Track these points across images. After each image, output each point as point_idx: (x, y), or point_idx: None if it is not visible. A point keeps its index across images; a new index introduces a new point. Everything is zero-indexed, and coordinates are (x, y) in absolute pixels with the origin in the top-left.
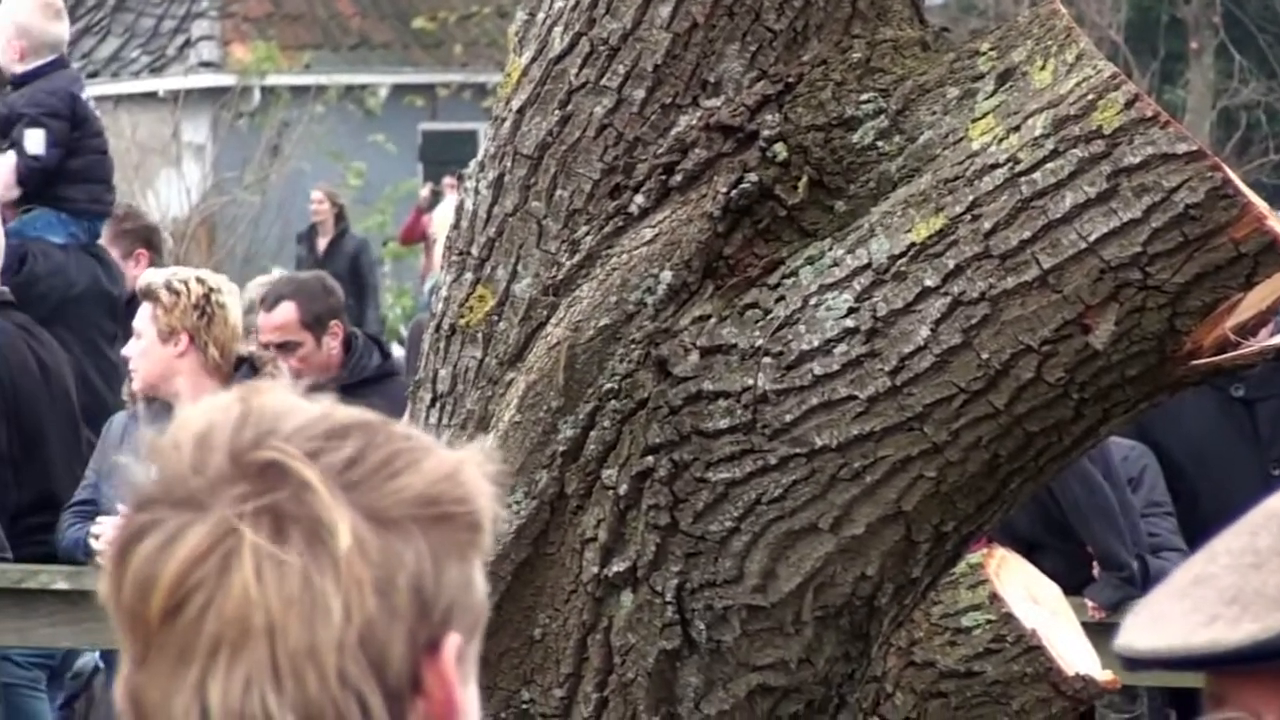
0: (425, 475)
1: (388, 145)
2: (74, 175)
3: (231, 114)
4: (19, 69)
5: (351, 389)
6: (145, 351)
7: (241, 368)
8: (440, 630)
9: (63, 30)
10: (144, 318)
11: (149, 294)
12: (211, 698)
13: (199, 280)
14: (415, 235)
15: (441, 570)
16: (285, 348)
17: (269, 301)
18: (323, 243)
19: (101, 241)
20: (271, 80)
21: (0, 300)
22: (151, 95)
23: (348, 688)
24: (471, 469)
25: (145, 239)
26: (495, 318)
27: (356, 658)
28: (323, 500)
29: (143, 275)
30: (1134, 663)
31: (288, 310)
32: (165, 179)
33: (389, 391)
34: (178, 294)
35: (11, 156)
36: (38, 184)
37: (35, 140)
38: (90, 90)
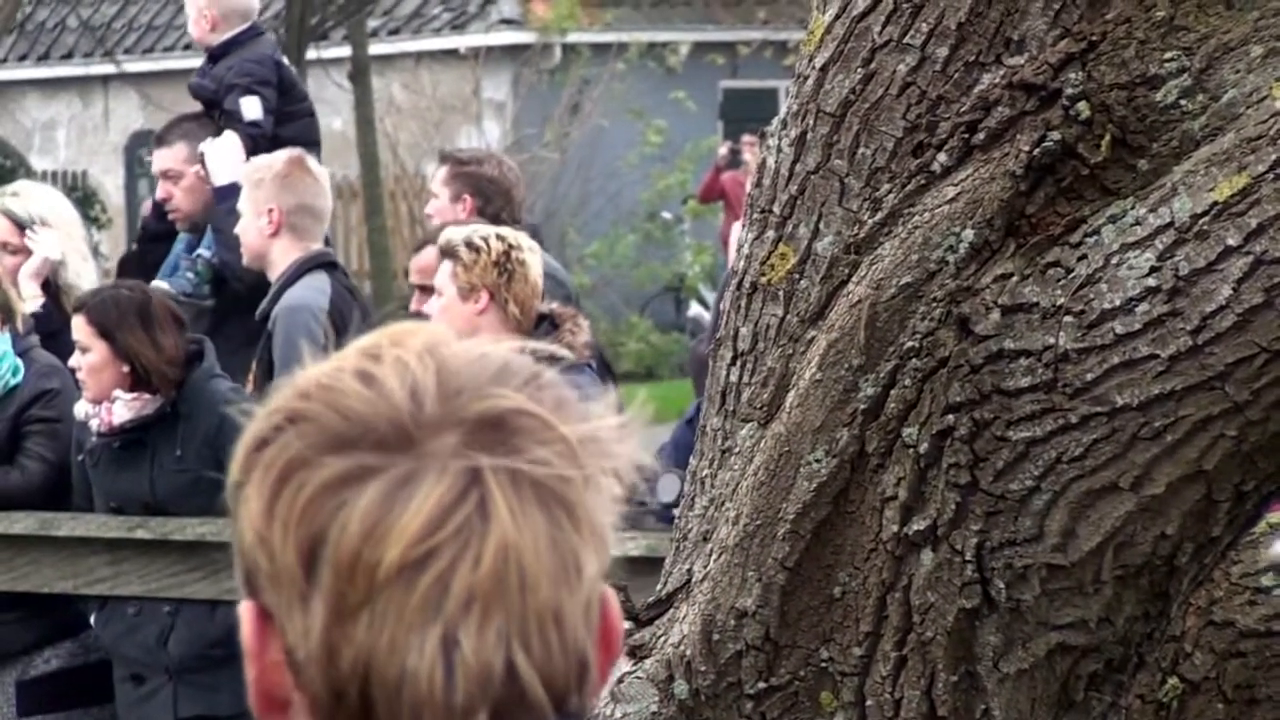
0: (602, 427)
1: (688, 103)
2: (288, 141)
3: (532, 71)
4: (213, 39)
5: None
6: (445, 309)
7: (542, 325)
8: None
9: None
10: (444, 275)
11: (449, 251)
12: (462, 653)
13: (499, 237)
14: (714, 193)
15: (614, 516)
16: (427, 290)
17: (419, 245)
18: None
19: (439, 182)
20: (572, 38)
21: (327, 261)
22: (452, 52)
23: (578, 650)
24: (628, 426)
25: (476, 186)
26: (797, 275)
27: (587, 617)
28: (565, 451)
29: (444, 232)
30: None
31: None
32: (465, 136)
33: None
34: (478, 251)
35: (234, 137)
36: (258, 151)
37: (252, 107)
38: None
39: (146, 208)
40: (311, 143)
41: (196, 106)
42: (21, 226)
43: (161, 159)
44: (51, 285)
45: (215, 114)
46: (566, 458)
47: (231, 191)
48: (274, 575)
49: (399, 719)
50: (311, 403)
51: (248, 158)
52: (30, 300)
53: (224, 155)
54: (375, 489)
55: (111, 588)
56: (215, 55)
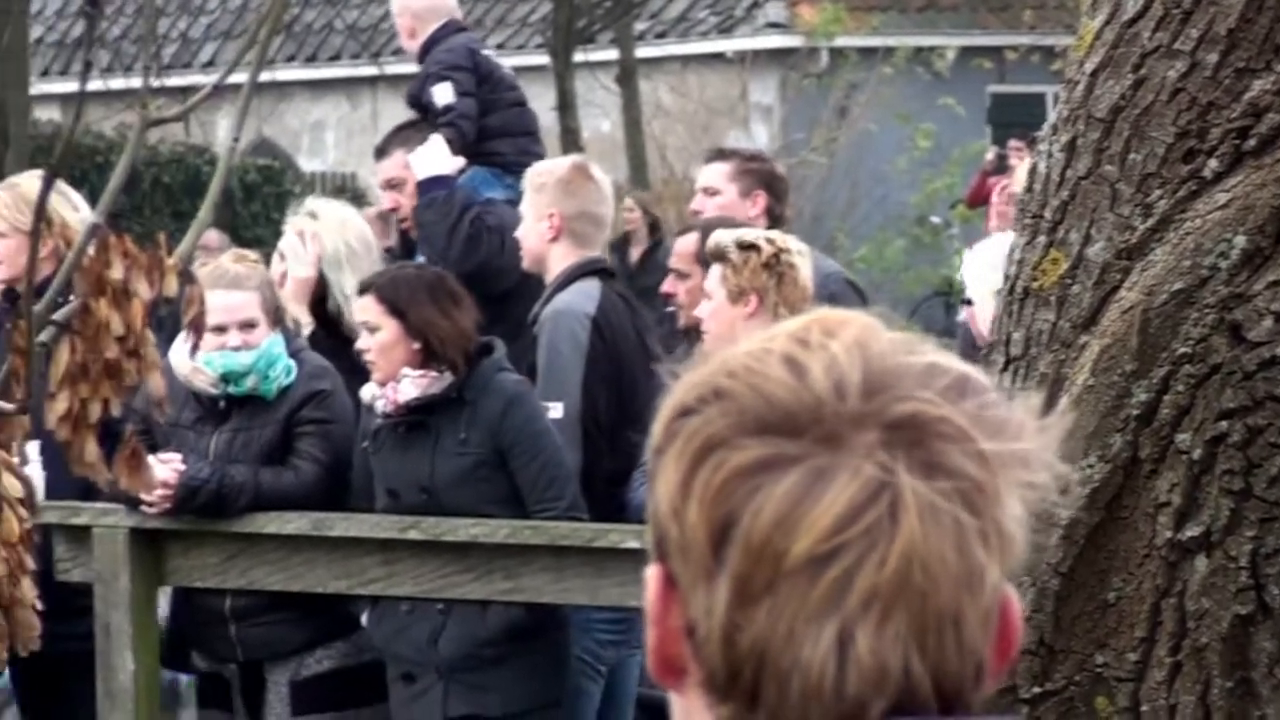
0: (1022, 435)
1: (956, 107)
2: (495, 130)
3: (799, 75)
4: (413, 45)
5: None
6: (715, 312)
7: None
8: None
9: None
10: (714, 278)
11: (719, 254)
12: (857, 649)
13: (769, 240)
14: (981, 198)
15: (1023, 525)
16: (681, 276)
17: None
18: (635, 253)
19: (723, 178)
20: (839, 42)
21: (600, 268)
22: (719, 56)
23: (974, 651)
24: (1048, 430)
25: (767, 182)
26: (1068, 281)
27: (984, 623)
28: (977, 459)
29: (713, 235)
30: None
31: (691, 240)
32: (733, 140)
33: None
34: (748, 254)
35: (439, 140)
36: (464, 134)
37: (443, 93)
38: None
39: (368, 216)
40: (524, 133)
41: None
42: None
43: (384, 169)
44: (329, 314)
45: (428, 116)
46: (981, 467)
47: (432, 185)
48: (683, 547)
49: (786, 707)
50: (736, 381)
51: (452, 143)
52: (303, 326)
53: (427, 151)
54: (792, 478)
55: (384, 588)
56: (422, 59)
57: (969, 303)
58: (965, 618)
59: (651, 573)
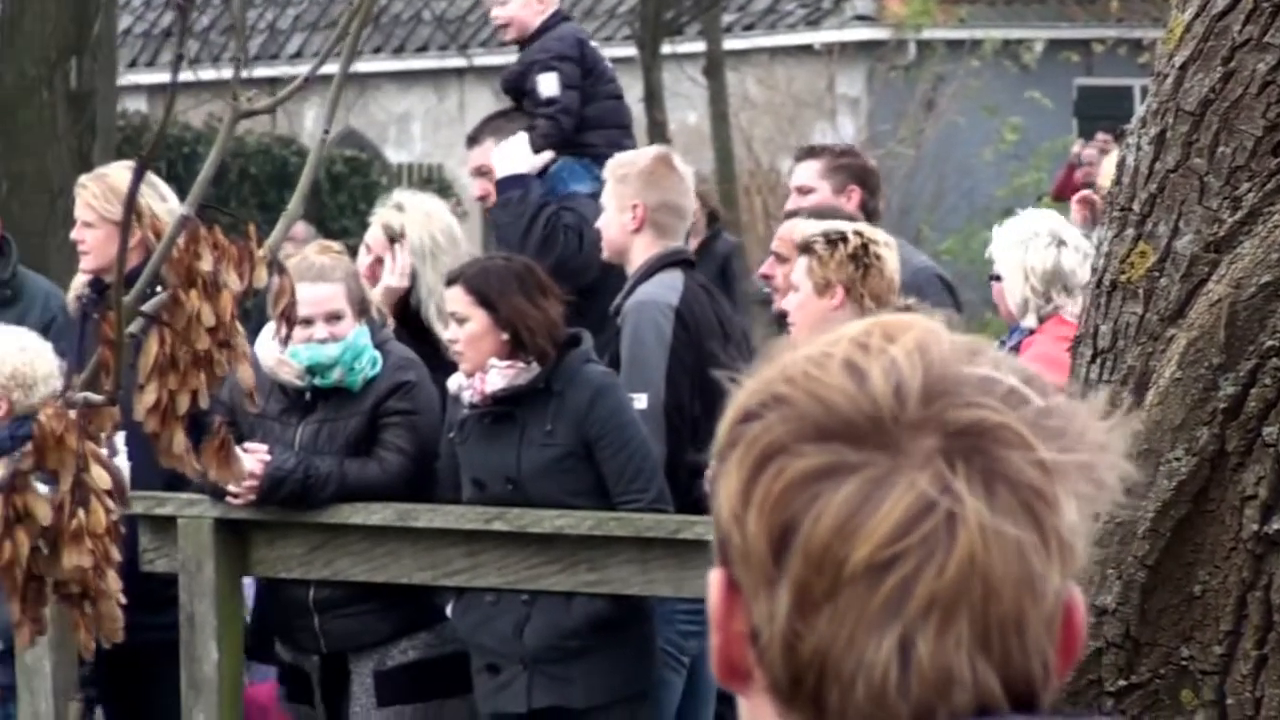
0: (1089, 437)
1: (1043, 100)
2: (591, 121)
3: (886, 67)
4: (537, 21)
5: None
6: (801, 304)
7: None
8: (1070, 582)
9: None
10: (800, 270)
11: (806, 246)
12: (918, 655)
13: (856, 232)
14: (1068, 191)
15: (1086, 528)
16: (781, 259)
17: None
18: (692, 243)
19: (816, 175)
20: (927, 34)
21: (683, 259)
22: (807, 48)
23: (1039, 652)
24: (1115, 430)
25: (860, 177)
26: (1156, 274)
27: (1048, 625)
28: (1035, 467)
29: (797, 226)
30: None
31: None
32: (820, 132)
33: None
34: (834, 246)
35: (523, 139)
36: (563, 129)
37: (548, 83)
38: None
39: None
40: (617, 126)
41: None
42: (393, 241)
43: (474, 156)
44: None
45: (525, 103)
46: (1040, 474)
47: (509, 185)
48: (745, 554)
49: (850, 713)
50: (796, 388)
51: (549, 135)
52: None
53: (508, 149)
54: (851, 486)
55: (469, 579)
56: (526, 42)
57: (998, 278)
58: (1028, 621)
59: (715, 577)
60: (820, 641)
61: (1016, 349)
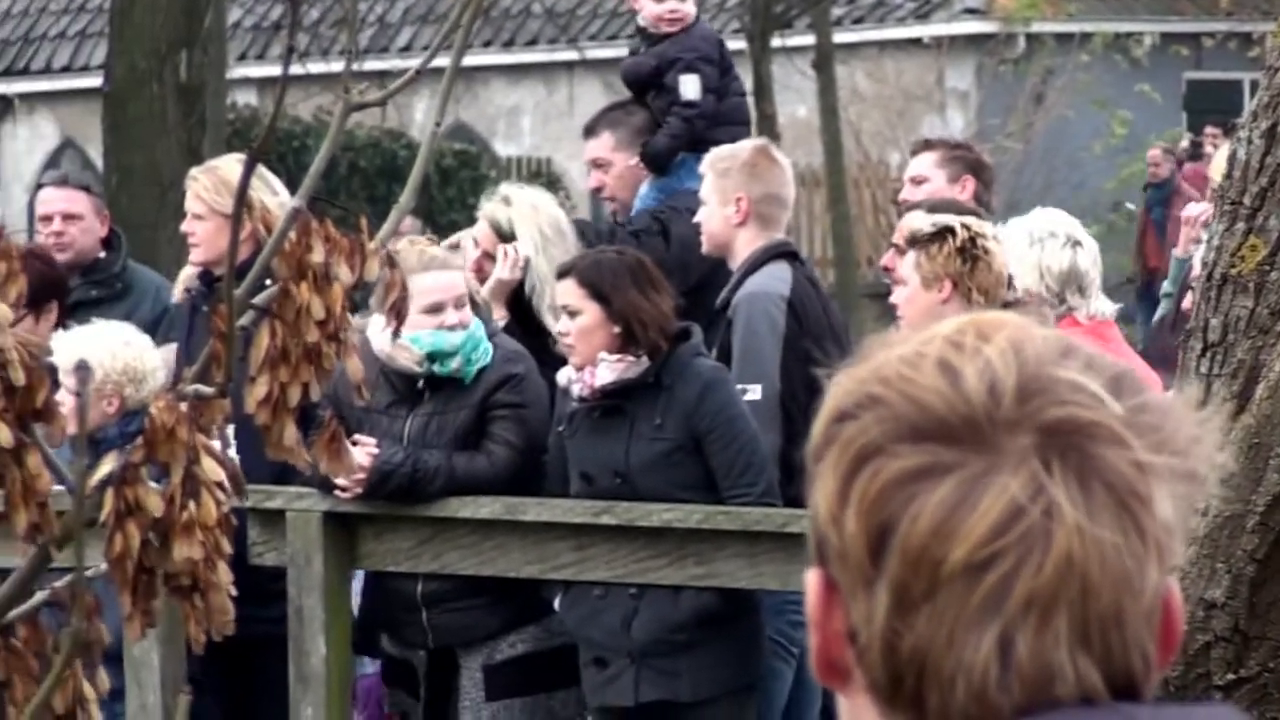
0: (1182, 431)
1: (1153, 94)
2: (719, 118)
3: (996, 61)
4: (693, 15)
5: None
6: (910, 298)
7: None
8: (1167, 576)
9: None
10: (908, 264)
11: (913, 240)
12: (1018, 652)
13: (964, 226)
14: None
15: (1181, 523)
16: (900, 250)
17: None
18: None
19: (931, 165)
20: (1036, 28)
21: (789, 250)
22: (916, 42)
23: (1139, 646)
24: (1208, 424)
25: (974, 169)
26: (1266, 267)
27: (1147, 620)
28: (1131, 463)
29: (907, 219)
30: None
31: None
32: (928, 125)
33: None
34: (941, 239)
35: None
36: (694, 132)
37: (690, 85)
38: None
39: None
40: (741, 122)
41: None
42: (502, 237)
43: (590, 148)
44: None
45: (649, 95)
46: (1135, 470)
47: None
48: (842, 554)
49: (951, 713)
50: (890, 389)
51: (678, 137)
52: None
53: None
54: (947, 486)
55: (577, 573)
56: (655, 35)
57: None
58: (1127, 617)
59: (812, 577)
60: (919, 641)
61: None
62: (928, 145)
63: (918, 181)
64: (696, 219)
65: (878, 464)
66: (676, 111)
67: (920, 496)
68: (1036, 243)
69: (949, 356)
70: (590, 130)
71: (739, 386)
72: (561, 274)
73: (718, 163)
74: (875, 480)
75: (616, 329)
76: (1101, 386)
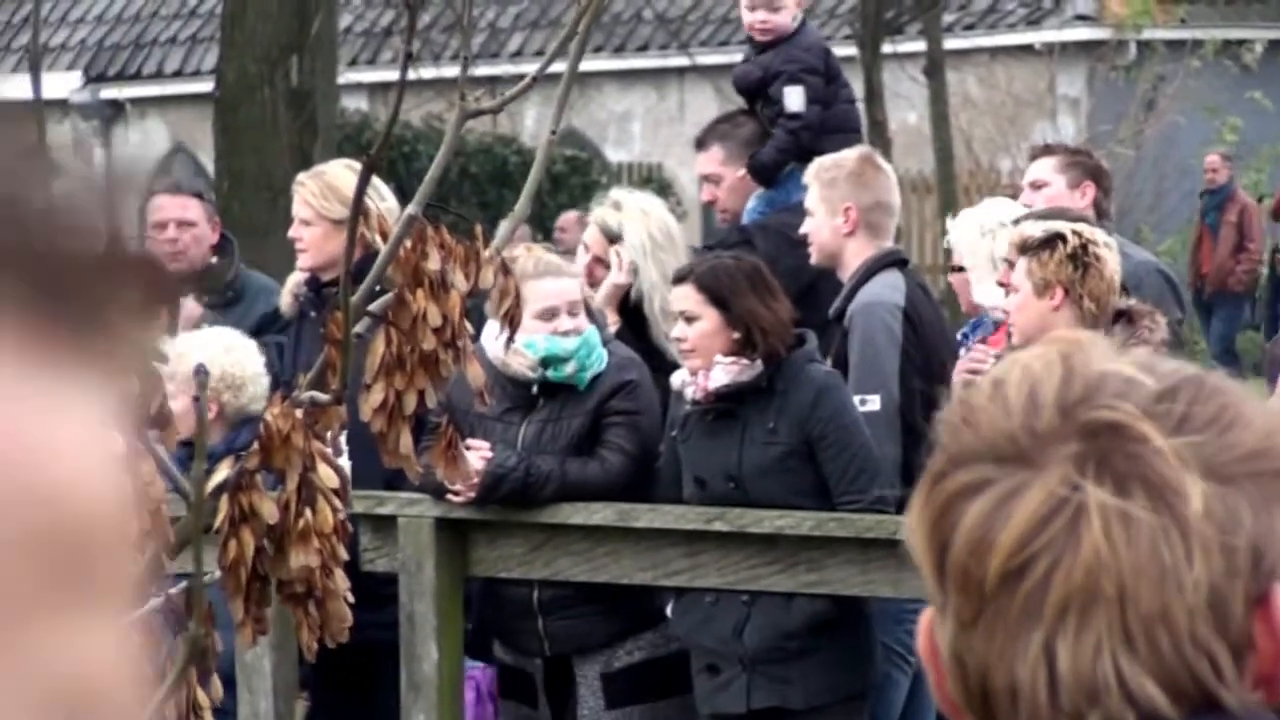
0: (1255, 430)
1: (1264, 101)
2: (827, 126)
3: (1107, 67)
4: (793, 26)
5: None
6: (1021, 305)
7: (1118, 321)
8: (1267, 583)
9: None
10: (1020, 271)
11: (1025, 247)
12: (1060, 661)
13: (1075, 232)
14: None
15: (1272, 523)
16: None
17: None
18: None
19: (1051, 170)
20: (1147, 34)
21: (900, 258)
22: (1027, 48)
23: (1199, 648)
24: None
25: (1094, 174)
26: None
27: (1206, 619)
28: (1168, 462)
29: (1021, 226)
30: None
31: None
32: (1040, 132)
33: None
34: (1053, 246)
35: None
36: (801, 145)
37: (795, 98)
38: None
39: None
40: (851, 129)
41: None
42: (611, 240)
43: (701, 163)
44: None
45: (757, 104)
46: (1175, 469)
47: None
48: (927, 584)
49: None
50: (955, 414)
51: (785, 150)
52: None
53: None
54: (981, 503)
55: (689, 579)
56: (764, 43)
57: (959, 269)
58: (1174, 616)
59: (924, 614)
60: (979, 660)
61: (984, 342)
62: (1047, 150)
63: (1037, 186)
64: (802, 230)
65: (938, 490)
66: (782, 124)
67: (963, 515)
68: (987, 234)
69: (999, 373)
70: (700, 144)
71: (858, 397)
72: (679, 279)
73: (823, 173)
74: (932, 506)
75: (736, 334)
76: (1150, 392)
